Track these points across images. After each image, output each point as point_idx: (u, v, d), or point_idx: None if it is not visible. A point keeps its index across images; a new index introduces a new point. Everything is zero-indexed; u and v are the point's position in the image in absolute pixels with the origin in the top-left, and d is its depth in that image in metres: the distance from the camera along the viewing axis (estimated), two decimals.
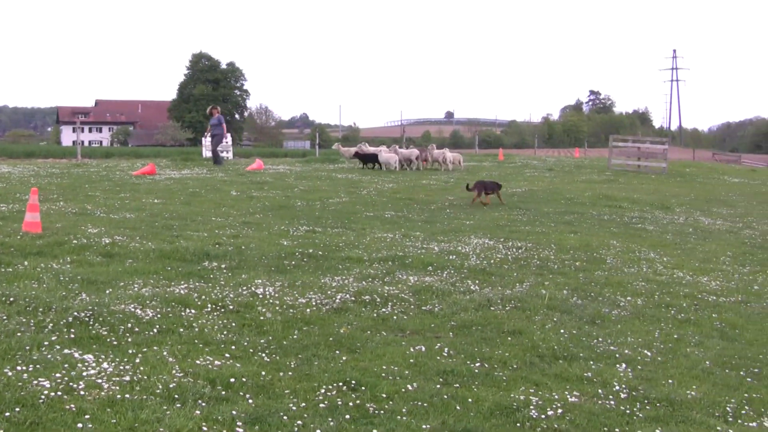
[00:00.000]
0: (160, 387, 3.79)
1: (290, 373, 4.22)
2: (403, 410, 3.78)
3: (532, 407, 3.94)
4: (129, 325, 4.87)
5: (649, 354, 5.08)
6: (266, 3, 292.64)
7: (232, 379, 3.98)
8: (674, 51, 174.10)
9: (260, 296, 5.84)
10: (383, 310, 5.73)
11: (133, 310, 5.18)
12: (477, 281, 6.87)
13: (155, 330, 4.83)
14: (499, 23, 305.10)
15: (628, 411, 4.02)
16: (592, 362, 4.79)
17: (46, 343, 4.37)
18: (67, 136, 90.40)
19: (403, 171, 21.74)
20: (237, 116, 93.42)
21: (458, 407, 3.89)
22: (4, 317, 4.83)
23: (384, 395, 3.95)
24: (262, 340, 4.80)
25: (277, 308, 5.55)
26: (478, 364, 4.58)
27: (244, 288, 6.05)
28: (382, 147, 25.17)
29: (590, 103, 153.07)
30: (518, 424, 3.76)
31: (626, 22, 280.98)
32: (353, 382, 4.09)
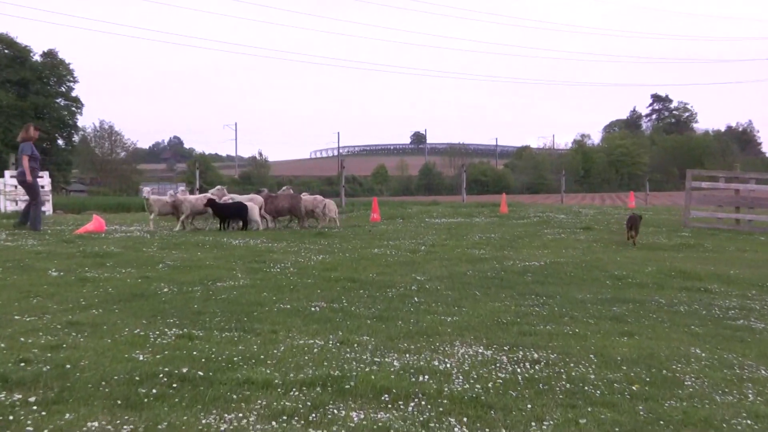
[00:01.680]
0: None
1: None
2: None
3: None
4: None
5: None
6: None
7: None
8: None
9: None
10: None
11: None
12: (465, 420, 6.85)
13: None
14: None
15: None
16: None
17: None
18: None
19: (321, 233, 22.04)
20: (61, 142, 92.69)
21: None
22: None
23: None
24: None
25: None
26: None
27: None
28: (252, 195, 26.63)
29: (654, 116, 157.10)
30: None
31: None
32: None
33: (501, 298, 12.60)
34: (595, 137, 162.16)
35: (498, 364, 8.48)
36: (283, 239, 20.43)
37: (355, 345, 9.13)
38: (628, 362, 8.81)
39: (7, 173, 31.51)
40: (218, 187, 26.31)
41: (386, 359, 8.49)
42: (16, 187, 29.88)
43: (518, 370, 8.31)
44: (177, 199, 23.79)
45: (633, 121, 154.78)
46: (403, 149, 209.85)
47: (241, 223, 23.74)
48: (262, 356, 8.41)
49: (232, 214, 23.66)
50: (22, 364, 7.68)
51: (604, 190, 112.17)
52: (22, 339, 8.81)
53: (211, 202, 23.69)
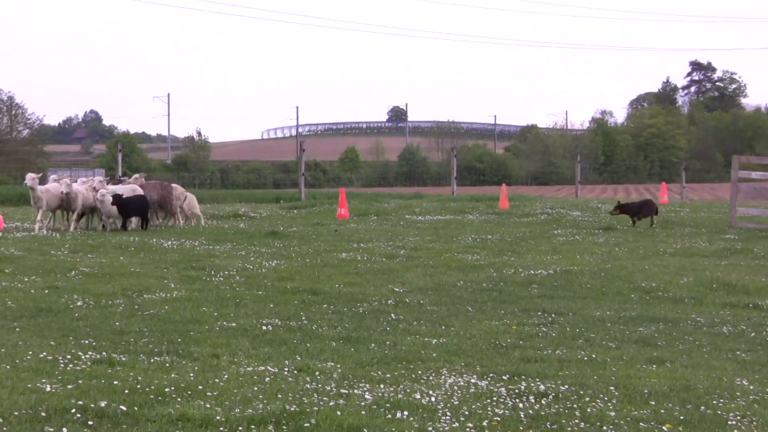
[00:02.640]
0: None
1: None
2: None
3: None
4: None
5: None
6: None
7: None
8: None
9: None
10: None
11: None
12: None
13: None
14: None
15: None
16: None
17: None
18: None
19: (275, 233, 22.00)
20: None
21: None
22: None
23: None
24: None
25: None
26: None
27: None
28: (135, 176, 26.64)
29: (693, 88, 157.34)
30: None
31: None
32: None
33: (499, 316, 12.64)
34: (619, 115, 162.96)
35: (495, 398, 8.51)
36: (227, 240, 20.42)
37: (317, 373, 9.12)
38: (657, 396, 8.86)
39: None
40: (136, 175, 26.09)
41: (355, 391, 8.50)
42: None
43: (520, 405, 8.34)
44: (72, 190, 23.40)
45: (666, 95, 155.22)
46: (379, 128, 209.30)
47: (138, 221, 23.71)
48: (200, 387, 8.38)
49: (131, 208, 23.23)
50: None
51: (629, 181, 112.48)
52: None
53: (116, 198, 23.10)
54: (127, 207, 23.13)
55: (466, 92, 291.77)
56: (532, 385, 9.00)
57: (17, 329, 10.73)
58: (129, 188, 24.42)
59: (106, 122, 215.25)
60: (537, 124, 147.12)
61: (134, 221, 23.76)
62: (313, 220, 28.73)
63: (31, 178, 23.73)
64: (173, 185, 25.99)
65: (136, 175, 26.15)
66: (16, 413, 7.34)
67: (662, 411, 8.42)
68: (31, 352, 9.49)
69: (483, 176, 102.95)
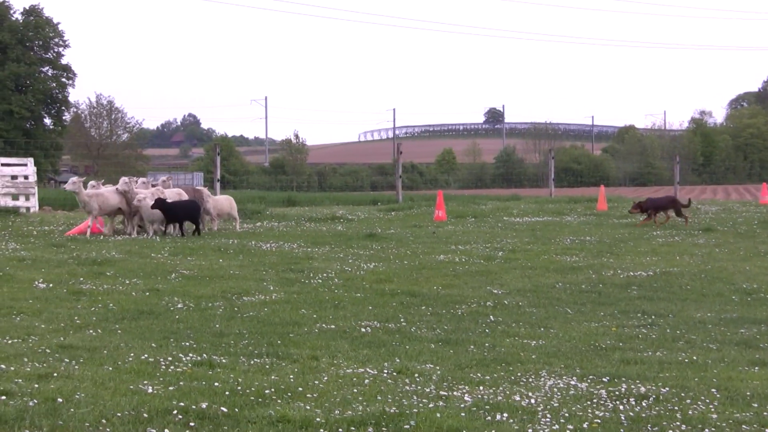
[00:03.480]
0: None
1: None
2: None
3: None
4: None
5: None
6: None
7: None
8: None
9: None
10: None
11: None
12: None
13: None
14: None
15: None
16: None
17: None
18: None
19: (373, 235, 21.92)
20: (48, 121, 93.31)
21: None
22: None
23: None
24: None
25: None
26: None
27: None
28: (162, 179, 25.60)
29: None
30: None
31: None
32: None
33: (598, 318, 12.56)
34: (718, 115, 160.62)
35: (595, 400, 8.47)
36: (326, 243, 20.52)
37: (416, 375, 9.14)
38: (760, 398, 8.74)
39: None
40: (162, 178, 25.62)
41: (455, 393, 8.51)
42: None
43: (620, 407, 8.28)
44: (133, 190, 22.69)
45: (766, 95, 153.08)
46: (475, 130, 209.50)
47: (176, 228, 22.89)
48: (299, 389, 8.44)
49: (178, 214, 22.63)
50: (3, 398, 7.76)
51: (728, 182, 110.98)
52: (3, 366, 8.91)
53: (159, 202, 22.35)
54: (175, 211, 22.51)
55: (563, 93, 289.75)
56: (633, 387, 8.94)
57: (119, 331, 10.90)
58: (175, 192, 24.03)
59: (204, 126, 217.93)
60: (635, 124, 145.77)
61: (171, 227, 23.09)
62: (410, 222, 28.75)
63: (73, 181, 23.05)
64: (200, 188, 25.72)
65: (163, 178, 25.81)
66: (118, 414, 7.44)
67: (765, 413, 8.31)
68: (132, 354, 9.63)
69: (580, 178, 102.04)
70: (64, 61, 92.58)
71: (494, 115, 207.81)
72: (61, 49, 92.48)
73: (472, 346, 10.57)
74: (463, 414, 7.85)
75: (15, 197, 30.30)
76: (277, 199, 42.41)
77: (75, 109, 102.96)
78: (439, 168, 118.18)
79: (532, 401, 8.32)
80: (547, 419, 7.82)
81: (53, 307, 12.23)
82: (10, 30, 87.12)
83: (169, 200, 22.42)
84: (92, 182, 24.27)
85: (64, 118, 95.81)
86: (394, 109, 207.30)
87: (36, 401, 7.68)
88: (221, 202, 25.09)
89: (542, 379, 9.16)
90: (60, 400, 7.75)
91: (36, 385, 8.21)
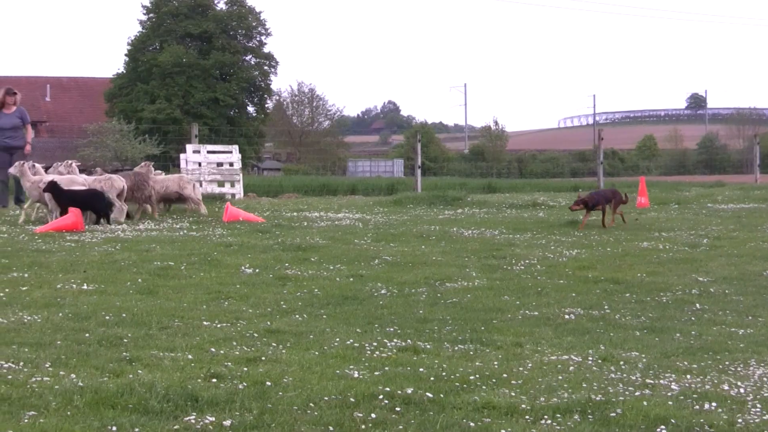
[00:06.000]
0: None
1: None
2: None
3: None
4: None
5: None
6: None
7: None
8: None
9: None
10: None
11: None
12: None
13: None
14: None
15: None
16: None
17: None
18: None
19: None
20: (251, 109, 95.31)
21: None
22: None
23: None
24: None
25: None
26: None
27: None
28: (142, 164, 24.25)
29: None
30: None
31: None
32: None
33: None
34: None
35: None
36: (527, 230, 20.41)
37: (621, 363, 9.03)
38: None
39: (189, 147, 31.74)
40: (142, 164, 24.10)
41: (661, 381, 8.37)
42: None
43: None
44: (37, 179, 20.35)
45: None
46: (677, 116, 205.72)
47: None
48: (504, 375, 8.43)
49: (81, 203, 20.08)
50: (214, 380, 7.96)
51: None
52: (213, 349, 9.15)
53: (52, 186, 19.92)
54: (74, 198, 20.04)
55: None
56: None
57: (324, 316, 11.04)
58: (66, 179, 21.11)
59: (404, 113, 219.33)
60: None
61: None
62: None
63: (17, 168, 20.90)
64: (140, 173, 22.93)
65: (142, 164, 24.12)
66: (325, 398, 7.53)
67: None
68: (338, 339, 9.75)
69: None
70: (266, 49, 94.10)
71: (696, 101, 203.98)
72: (263, 37, 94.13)
73: (678, 334, 10.38)
74: (670, 402, 7.71)
75: (221, 184, 31.17)
76: (477, 186, 42.56)
77: (277, 97, 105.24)
78: (640, 154, 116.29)
79: (741, 390, 8.11)
80: (758, 409, 7.61)
81: (260, 292, 12.47)
82: (215, 20, 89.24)
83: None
84: (61, 166, 22.49)
85: (266, 105, 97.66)
86: (594, 95, 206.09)
87: (245, 384, 7.84)
88: (168, 182, 23.32)
89: (751, 368, 8.91)
90: (268, 383, 7.90)
91: (245, 369, 8.39)
